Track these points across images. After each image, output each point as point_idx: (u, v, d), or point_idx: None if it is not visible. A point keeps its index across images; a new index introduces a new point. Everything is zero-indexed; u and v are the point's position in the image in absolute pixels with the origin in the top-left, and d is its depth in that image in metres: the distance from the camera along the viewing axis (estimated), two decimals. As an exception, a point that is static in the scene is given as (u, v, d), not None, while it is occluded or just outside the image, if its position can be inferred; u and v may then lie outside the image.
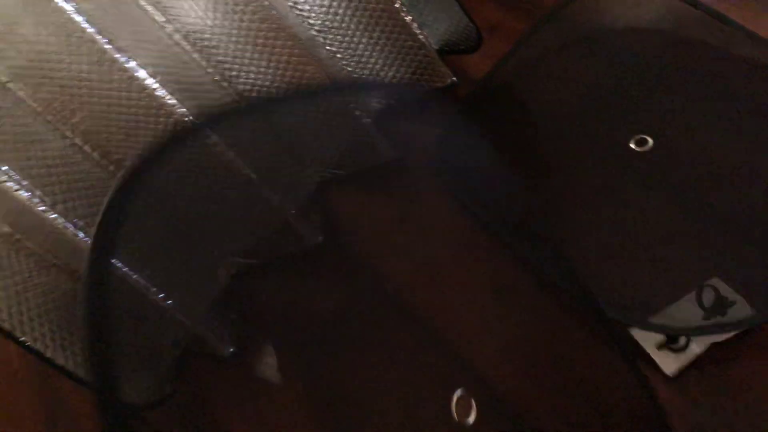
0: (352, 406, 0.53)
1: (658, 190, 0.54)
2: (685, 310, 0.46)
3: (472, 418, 0.46)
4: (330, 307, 0.57)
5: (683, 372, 0.45)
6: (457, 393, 0.47)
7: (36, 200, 0.46)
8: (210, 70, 0.56)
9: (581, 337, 0.50)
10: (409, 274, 0.58)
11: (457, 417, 0.47)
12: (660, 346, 0.45)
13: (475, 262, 0.57)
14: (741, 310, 0.46)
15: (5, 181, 0.45)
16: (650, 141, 0.55)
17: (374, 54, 0.64)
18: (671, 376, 0.45)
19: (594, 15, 0.65)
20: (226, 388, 0.57)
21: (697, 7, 0.58)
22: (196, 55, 0.54)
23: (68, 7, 0.44)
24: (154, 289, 0.55)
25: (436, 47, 0.67)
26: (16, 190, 0.45)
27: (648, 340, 0.46)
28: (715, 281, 0.47)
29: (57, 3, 0.44)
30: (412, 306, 0.57)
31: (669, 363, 0.45)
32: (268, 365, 0.59)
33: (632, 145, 0.55)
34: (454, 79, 0.66)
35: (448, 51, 0.69)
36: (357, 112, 0.60)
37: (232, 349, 0.58)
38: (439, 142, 0.65)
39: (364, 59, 0.64)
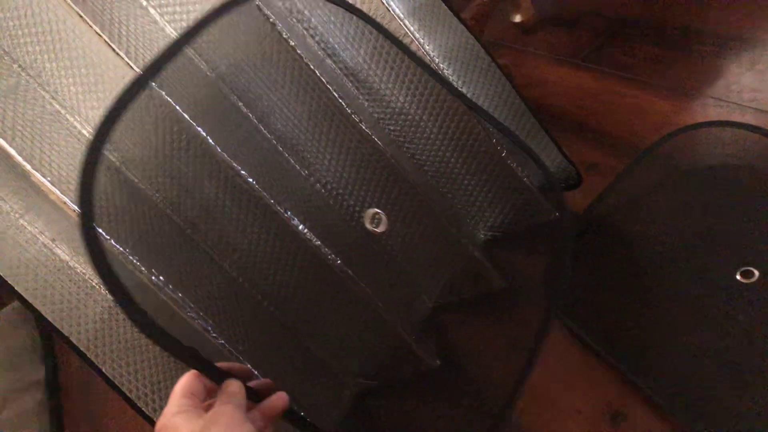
0: None
1: (764, 321, 0.55)
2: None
3: None
4: (449, 428, 0.60)
5: None
6: None
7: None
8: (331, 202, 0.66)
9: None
10: (525, 400, 0.61)
11: None
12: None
13: (589, 388, 0.60)
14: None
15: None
16: (756, 273, 0.57)
17: (482, 194, 0.72)
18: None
19: (689, 152, 0.71)
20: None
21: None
22: (331, 201, 0.65)
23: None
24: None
25: (538, 186, 0.74)
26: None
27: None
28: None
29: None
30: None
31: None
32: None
33: (738, 277, 0.58)
34: (557, 214, 0.72)
35: (550, 188, 0.76)
36: (465, 243, 0.67)
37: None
38: (546, 272, 0.69)
39: (472, 198, 0.72)
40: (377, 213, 0.67)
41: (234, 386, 0.38)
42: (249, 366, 0.57)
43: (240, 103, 0.60)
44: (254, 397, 0.41)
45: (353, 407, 0.67)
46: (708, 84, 0.82)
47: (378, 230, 0.68)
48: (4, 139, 0.53)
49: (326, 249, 0.61)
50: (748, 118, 0.73)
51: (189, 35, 0.45)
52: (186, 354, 0.38)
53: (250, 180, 0.57)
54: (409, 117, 0.69)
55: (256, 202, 0.59)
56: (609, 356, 0.59)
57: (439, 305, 0.73)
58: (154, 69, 0.43)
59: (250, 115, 0.60)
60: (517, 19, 1.12)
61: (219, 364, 0.40)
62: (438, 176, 0.72)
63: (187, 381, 0.38)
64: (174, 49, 0.44)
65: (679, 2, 0.97)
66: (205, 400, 0.39)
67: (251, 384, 0.42)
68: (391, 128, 0.69)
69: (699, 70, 0.85)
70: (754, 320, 0.55)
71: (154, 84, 0.52)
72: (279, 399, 0.41)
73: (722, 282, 0.58)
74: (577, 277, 0.67)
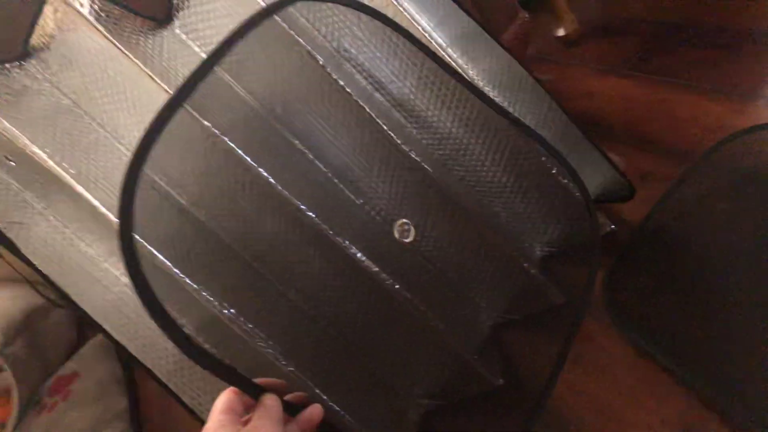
0: None
1: None
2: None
3: None
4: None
5: None
6: None
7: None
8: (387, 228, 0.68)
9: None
10: (591, 415, 0.61)
11: None
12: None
13: (658, 403, 0.59)
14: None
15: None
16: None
17: (535, 211, 0.73)
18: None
19: (748, 156, 0.69)
20: None
21: None
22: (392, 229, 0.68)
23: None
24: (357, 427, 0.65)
25: (594, 195, 0.74)
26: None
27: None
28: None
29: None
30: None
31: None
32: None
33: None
34: (613, 227, 0.72)
35: (604, 200, 0.76)
36: (523, 262, 0.68)
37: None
38: (605, 285, 0.69)
39: (525, 216, 0.73)
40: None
41: (270, 400, 0.40)
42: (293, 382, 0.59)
43: (296, 141, 0.63)
44: (291, 410, 0.42)
45: (419, 428, 0.68)
46: (763, 84, 0.80)
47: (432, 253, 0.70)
48: (87, 190, 0.59)
49: (384, 275, 0.64)
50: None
51: (219, 52, 0.47)
52: (225, 371, 0.41)
53: (310, 213, 0.61)
54: (457, 140, 0.71)
55: (317, 234, 0.62)
56: (678, 369, 0.58)
57: (500, 323, 0.74)
58: (189, 87, 0.45)
59: (306, 152, 0.64)
60: (561, 33, 1.12)
61: (257, 380, 0.42)
62: (490, 196, 0.73)
63: (226, 397, 0.40)
64: (205, 67, 0.46)
65: (723, 2, 0.96)
66: (243, 415, 0.41)
67: (287, 398, 0.43)
68: (440, 153, 0.71)
69: (752, 70, 0.83)
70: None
71: (217, 131, 0.56)
72: (314, 411, 0.43)
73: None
74: (638, 290, 0.67)
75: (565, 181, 0.70)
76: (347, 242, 0.62)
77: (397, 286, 0.64)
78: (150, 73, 0.55)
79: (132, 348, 0.60)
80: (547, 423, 0.62)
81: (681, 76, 0.90)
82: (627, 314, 0.66)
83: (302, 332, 0.67)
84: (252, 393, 0.41)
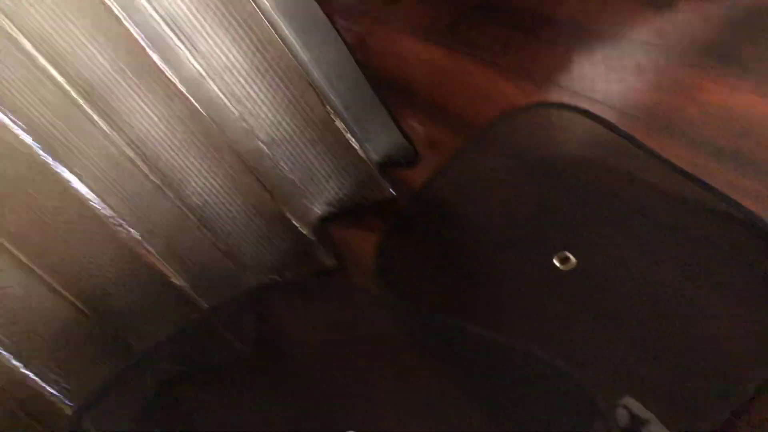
0: None
1: (581, 308, 0.56)
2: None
3: None
4: (258, 420, 0.56)
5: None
6: None
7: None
8: (153, 178, 0.58)
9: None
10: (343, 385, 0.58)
11: None
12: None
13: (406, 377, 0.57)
14: (655, 427, 0.46)
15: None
16: (573, 259, 0.58)
17: (317, 167, 0.67)
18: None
19: (526, 135, 0.71)
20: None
21: (616, 132, 0.64)
22: (140, 163, 0.57)
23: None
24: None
25: (377, 161, 0.71)
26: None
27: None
28: (628, 400, 0.48)
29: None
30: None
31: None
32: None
33: (556, 263, 0.58)
34: (393, 192, 0.70)
35: (389, 164, 0.73)
36: (295, 221, 0.63)
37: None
38: (378, 252, 0.67)
39: (307, 171, 0.67)
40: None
41: None
42: None
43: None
44: None
45: (156, 394, 0.60)
46: (555, 71, 0.83)
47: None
48: None
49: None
50: (588, 107, 0.74)
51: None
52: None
53: None
54: (242, 73, 0.62)
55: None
56: (431, 342, 0.57)
57: (263, 285, 0.68)
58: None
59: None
60: (381, -13, 1.08)
61: None
62: (270, 143, 0.66)
63: None
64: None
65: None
66: None
67: None
68: (217, 85, 0.61)
69: (548, 57, 0.86)
70: (572, 306, 0.56)
71: None
72: None
73: (542, 268, 0.58)
74: (407, 259, 0.65)
75: (353, 139, 0.66)
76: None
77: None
78: None
79: None
80: (296, 395, 0.58)
81: (485, 52, 0.90)
82: (395, 284, 0.64)
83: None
84: None
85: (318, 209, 0.70)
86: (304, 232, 0.64)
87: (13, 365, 0.52)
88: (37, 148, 0.48)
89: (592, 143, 0.67)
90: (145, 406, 0.59)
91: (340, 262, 0.68)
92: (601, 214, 0.61)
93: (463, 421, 0.52)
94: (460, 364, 0.55)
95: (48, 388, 0.54)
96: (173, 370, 0.60)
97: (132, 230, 0.55)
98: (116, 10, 0.50)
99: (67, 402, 0.55)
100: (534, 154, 0.68)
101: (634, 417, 0.47)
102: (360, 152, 0.66)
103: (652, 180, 0.61)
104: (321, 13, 0.63)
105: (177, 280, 0.57)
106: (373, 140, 0.70)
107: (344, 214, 0.71)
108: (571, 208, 0.62)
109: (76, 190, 0.51)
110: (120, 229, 0.54)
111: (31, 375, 0.53)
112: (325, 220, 0.70)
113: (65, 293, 0.55)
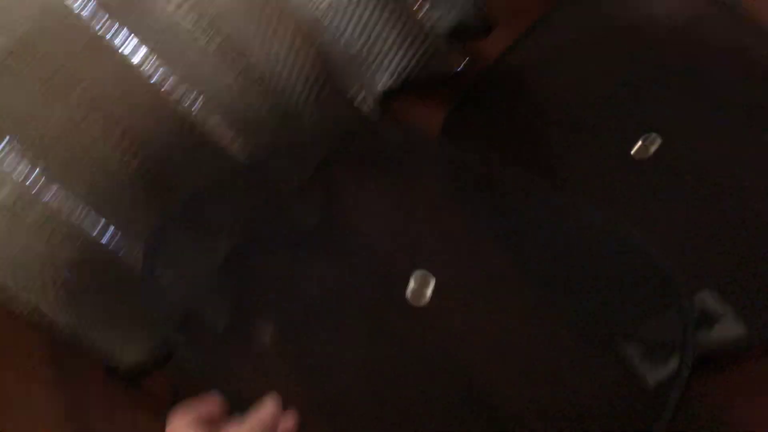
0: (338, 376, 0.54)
1: (661, 194, 0.53)
2: (670, 322, 0.45)
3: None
4: (326, 284, 0.57)
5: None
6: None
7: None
8: (212, 49, 0.55)
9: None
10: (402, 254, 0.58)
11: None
12: (642, 358, 0.45)
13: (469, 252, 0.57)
14: (731, 327, 0.45)
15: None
16: (658, 141, 0.53)
17: (381, 37, 0.63)
18: (652, 387, 0.44)
19: (612, 5, 0.63)
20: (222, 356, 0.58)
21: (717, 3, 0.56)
22: (198, 34, 0.54)
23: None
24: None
25: (448, 29, 0.65)
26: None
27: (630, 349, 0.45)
28: (705, 294, 0.46)
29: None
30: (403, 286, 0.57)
31: (651, 374, 0.44)
32: (263, 337, 0.60)
33: (638, 145, 0.54)
34: (463, 66, 0.65)
35: (461, 34, 0.67)
36: (361, 95, 0.60)
37: (226, 322, 0.60)
38: (442, 129, 0.64)
39: (370, 42, 0.63)
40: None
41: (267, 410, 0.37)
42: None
43: None
44: None
45: (228, 262, 0.62)
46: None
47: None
48: None
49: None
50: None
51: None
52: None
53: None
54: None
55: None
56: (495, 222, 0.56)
57: (328, 159, 0.67)
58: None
59: None
60: None
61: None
62: (331, 13, 0.61)
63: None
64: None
65: None
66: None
67: None
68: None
69: None
70: (654, 192, 0.52)
71: None
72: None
73: (622, 149, 0.54)
74: (471, 137, 0.62)
75: (425, 10, 0.60)
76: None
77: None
78: None
79: None
80: (358, 262, 0.59)
81: None
82: (459, 155, 0.61)
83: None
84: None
85: (380, 83, 0.67)
86: (366, 108, 0.61)
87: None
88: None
89: (690, 16, 0.59)
90: (215, 270, 0.61)
91: (405, 136, 0.65)
92: (693, 95, 0.55)
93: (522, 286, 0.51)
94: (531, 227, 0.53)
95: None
96: (245, 235, 0.62)
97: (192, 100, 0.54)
98: None
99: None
100: (623, 27, 0.60)
101: (708, 311, 0.46)
102: (428, 23, 0.60)
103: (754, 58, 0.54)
104: None
105: (236, 151, 0.56)
106: (443, 4, 0.64)
107: (408, 88, 0.67)
108: (659, 86, 0.56)
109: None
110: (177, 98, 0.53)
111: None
112: (388, 96, 0.67)
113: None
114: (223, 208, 0.61)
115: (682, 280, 0.45)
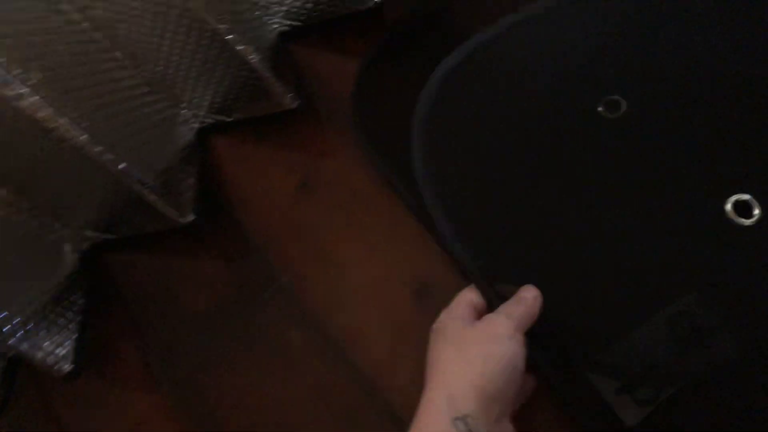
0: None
1: (625, 159, 0.42)
2: (650, 341, 0.35)
3: None
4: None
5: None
6: None
7: None
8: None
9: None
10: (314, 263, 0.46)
11: None
12: (619, 391, 0.35)
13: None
14: (725, 340, 0.35)
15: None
16: (623, 104, 0.42)
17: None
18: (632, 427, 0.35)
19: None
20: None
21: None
22: None
23: None
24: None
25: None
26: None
27: (605, 383, 0.35)
28: (690, 300, 0.36)
29: None
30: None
31: (629, 412, 0.34)
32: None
33: (600, 109, 0.42)
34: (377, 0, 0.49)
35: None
36: (241, 44, 0.44)
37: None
38: (355, 86, 0.49)
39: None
40: None
41: (528, 293, 0.35)
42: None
43: None
44: None
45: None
46: None
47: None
48: None
49: None
50: None
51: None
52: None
53: None
54: None
55: None
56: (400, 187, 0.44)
57: (205, 126, 0.51)
58: None
59: None
60: None
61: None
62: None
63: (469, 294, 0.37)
64: None
65: None
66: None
67: None
68: None
69: None
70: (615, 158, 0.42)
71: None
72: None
73: (584, 114, 0.42)
74: (393, 93, 0.48)
75: None
76: None
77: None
78: None
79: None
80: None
81: None
82: (373, 132, 0.47)
83: None
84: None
85: (275, 24, 0.51)
86: (254, 59, 0.45)
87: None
88: None
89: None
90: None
91: (304, 99, 0.50)
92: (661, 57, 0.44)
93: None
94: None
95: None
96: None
97: None
98: None
99: None
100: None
101: (697, 324, 0.36)
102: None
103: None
104: None
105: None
106: None
107: (310, 30, 0.51)
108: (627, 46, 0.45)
109: None
110: None
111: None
112: (285, 39, 0.51)
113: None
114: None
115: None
